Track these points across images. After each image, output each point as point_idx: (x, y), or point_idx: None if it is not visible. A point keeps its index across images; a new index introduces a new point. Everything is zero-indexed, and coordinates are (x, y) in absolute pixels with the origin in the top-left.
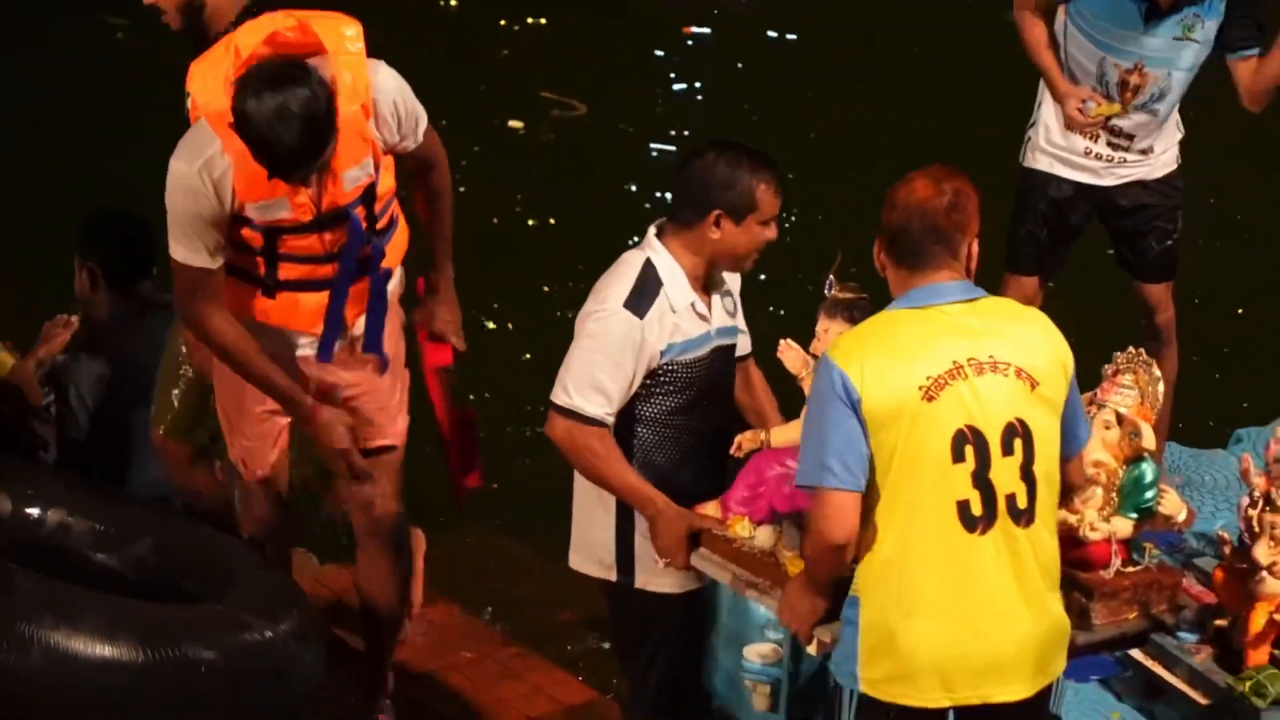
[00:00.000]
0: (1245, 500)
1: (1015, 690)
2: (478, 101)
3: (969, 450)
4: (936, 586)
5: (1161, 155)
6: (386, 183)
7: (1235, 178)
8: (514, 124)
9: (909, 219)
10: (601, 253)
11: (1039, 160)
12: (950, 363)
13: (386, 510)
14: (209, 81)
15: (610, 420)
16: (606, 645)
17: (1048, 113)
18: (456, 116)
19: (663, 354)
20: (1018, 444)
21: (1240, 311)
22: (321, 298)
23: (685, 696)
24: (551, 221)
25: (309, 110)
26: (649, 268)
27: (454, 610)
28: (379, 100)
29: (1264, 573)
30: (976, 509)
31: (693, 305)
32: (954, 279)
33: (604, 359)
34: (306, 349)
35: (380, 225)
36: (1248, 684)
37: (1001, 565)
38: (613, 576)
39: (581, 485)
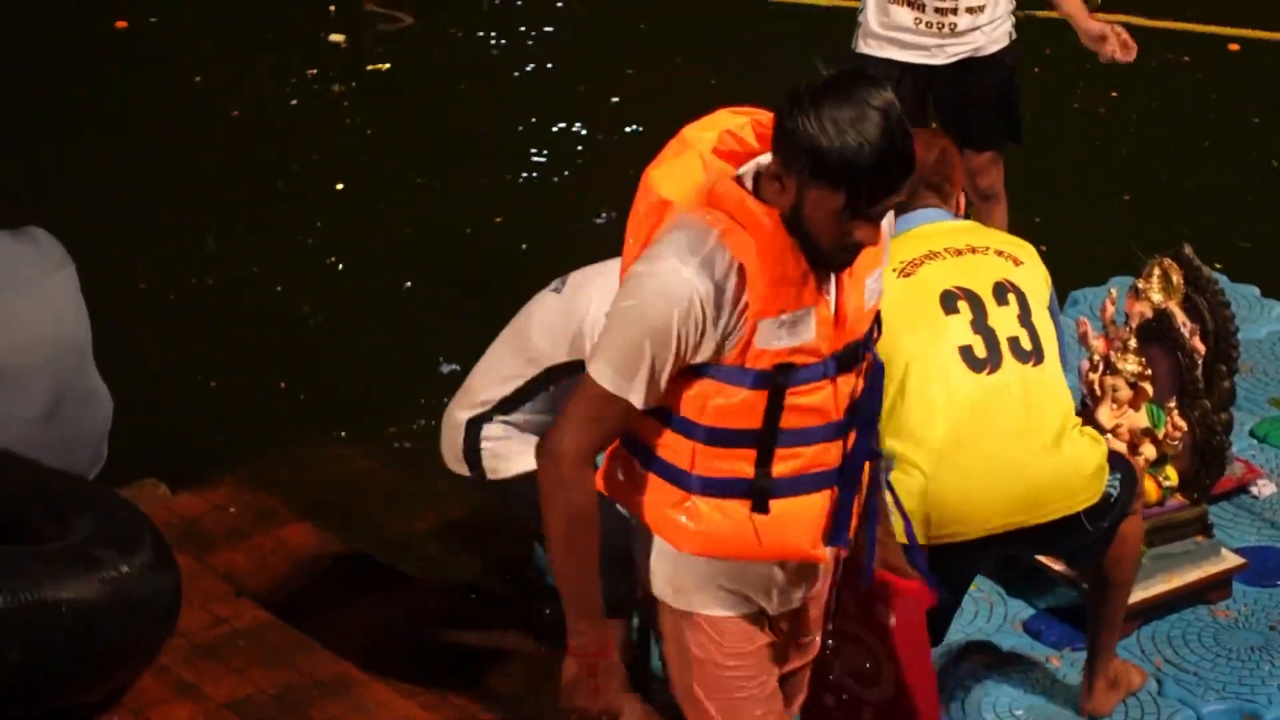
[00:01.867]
0: (1085, 364)
1: (1045, 514)
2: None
3: (961, 304)
4: (954, 429)
5: (993, 27)
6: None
7: (1067, 44)
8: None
9: None
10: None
11: (870, 45)
12: (927, 250)
13: None
14: (678, 177)
15: None
16: (461, 553)
17: None
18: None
19: None
20: (1011, 298)
21: (1073, 174)
22: (823, 502)
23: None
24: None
25: (890, 107)
26: None
27: (307, 528)
28: None
29: (1108, 435)
30: (980, 352)
31: None
32: (938, 206)
33: None
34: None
35: None
36: None
37: (1015, 401)
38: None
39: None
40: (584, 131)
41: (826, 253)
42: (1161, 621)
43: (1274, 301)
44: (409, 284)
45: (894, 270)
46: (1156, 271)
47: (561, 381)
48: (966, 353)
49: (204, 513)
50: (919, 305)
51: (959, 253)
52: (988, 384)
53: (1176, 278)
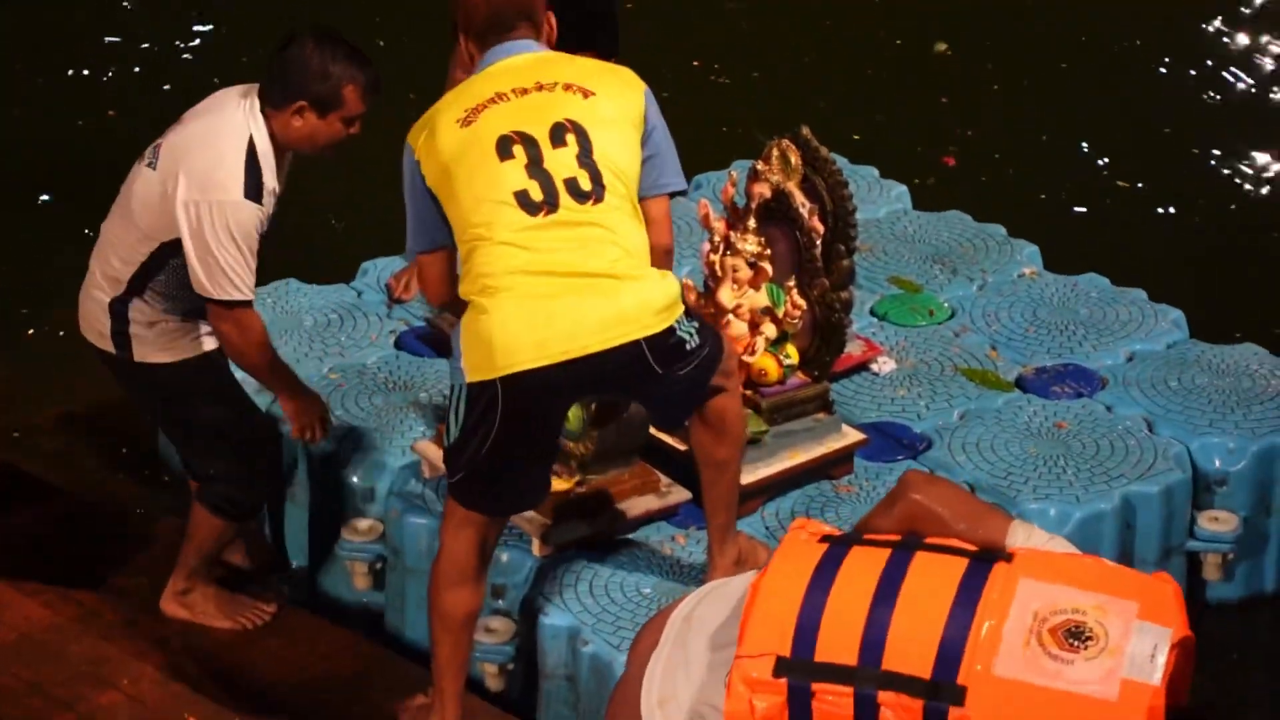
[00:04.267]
0: (706, 246)
1: (601, 341)
2: None
3: (516, 148)
4: (512, 267)
5: None
6: None
7: None
8: None
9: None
10: None
11: None
12: (492, 93)
13: None
14: None
15: None
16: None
17: None
18: None
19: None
20: (570, 138)
21: (695, 64)
22: None
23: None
24: None
25: None
26: (252, 148)
27: None
28: None
29: (730, 316)
30: (536, 195)
31: (274, 189)
32: (524, 40)
33: (246, 250)
34: None
35: None
36: None
37: (575, 232)
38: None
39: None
40: None
41: None
42: (784, 498)
43: (893, 182)
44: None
45: (456, 120)
46: (775, 153)
47: (171, 261)
48: (522, 197)
49: None
50: (475, 156)
51: (524, 92)
52: (544, 223)
53: (795, 159)
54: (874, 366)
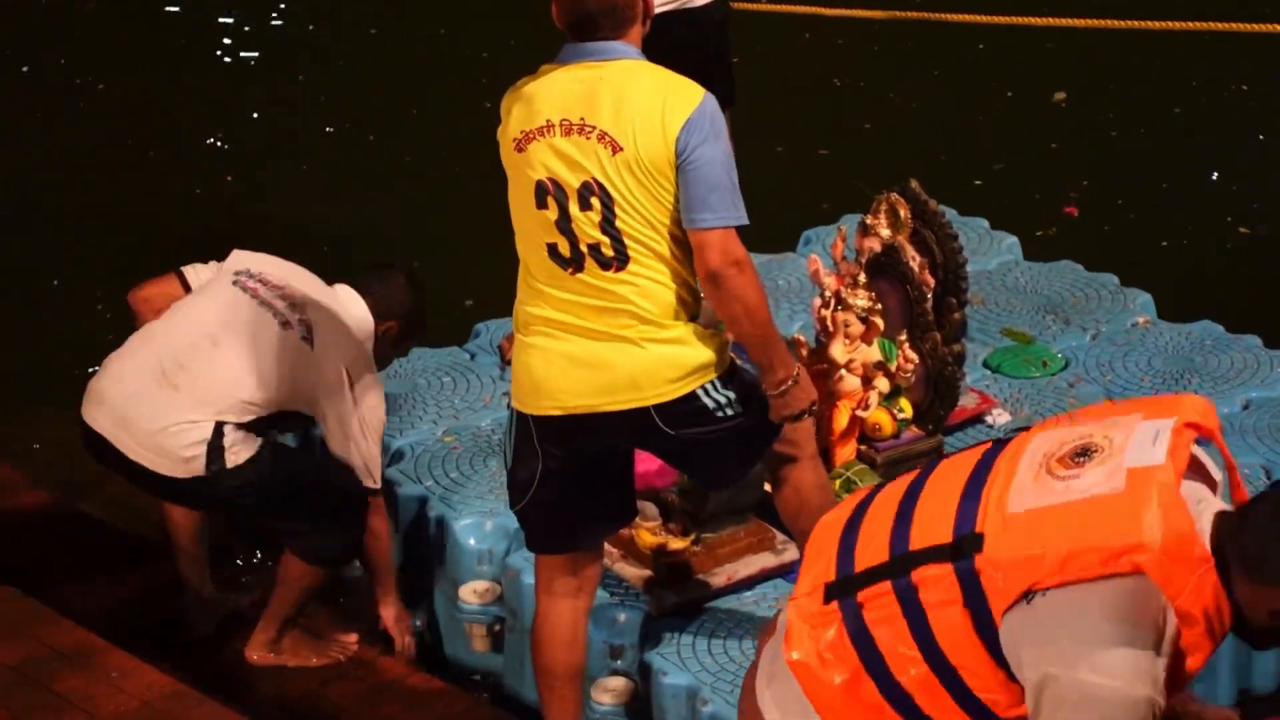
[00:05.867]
0: (818, 301)
1: (616, 403)
2: None
3: (550, 200)
4: (543, 317)
5: None
6: None
7: None
8: None
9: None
10: None
11: None
12: (544, 120)
13: None
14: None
15: None
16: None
17: None
18: None
19: None
20: (595, 202)
21: (807, 113)
22: None
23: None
24: None
25: None
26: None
27: (40, 496)
28: None
29: (842, 371)
30: (565, 251)
31: None
32: (603, 41)
33: None
34: None
35: None
36: (838, 482)
37: (596, 299)
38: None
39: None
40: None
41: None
42: None
43: (1004, 233)
44: None
45: (513, 139)
46: (884, 207)
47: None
48: (553, 250)
49: None
50: (521, 189)
51: (568, 130)
52: (571, 280)
53: (904, 212)
54: (988, 419)
